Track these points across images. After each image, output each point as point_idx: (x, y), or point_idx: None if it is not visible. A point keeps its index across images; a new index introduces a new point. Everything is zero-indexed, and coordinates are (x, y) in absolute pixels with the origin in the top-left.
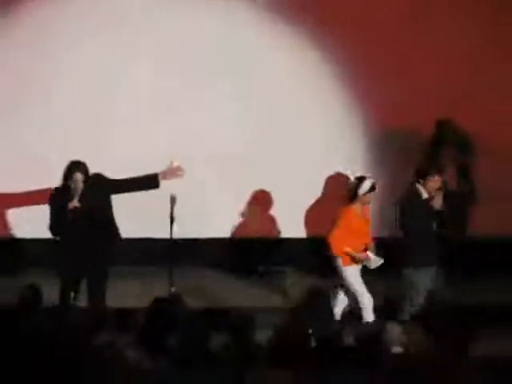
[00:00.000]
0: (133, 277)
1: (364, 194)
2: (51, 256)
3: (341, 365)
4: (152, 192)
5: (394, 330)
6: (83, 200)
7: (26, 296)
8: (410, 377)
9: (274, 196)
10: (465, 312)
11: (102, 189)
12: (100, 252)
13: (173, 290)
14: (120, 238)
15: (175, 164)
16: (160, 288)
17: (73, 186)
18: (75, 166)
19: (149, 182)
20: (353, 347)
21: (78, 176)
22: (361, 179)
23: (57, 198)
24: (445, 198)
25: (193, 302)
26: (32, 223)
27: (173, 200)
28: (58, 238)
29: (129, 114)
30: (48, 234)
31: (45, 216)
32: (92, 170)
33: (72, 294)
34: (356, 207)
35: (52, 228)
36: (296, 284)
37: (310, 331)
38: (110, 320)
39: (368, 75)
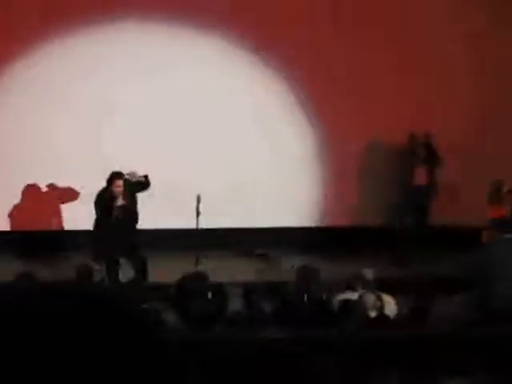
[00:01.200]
0: (168, 258)
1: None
2: (93, 243)
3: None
4: (183, 193)
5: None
6: (124, 198)
7: (82, 274)
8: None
9: None
10: None
11: (131, 189)
12: (136, 237)
13: (198, 268)
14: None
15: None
16: (189, 267)
17: (115, 189)
18: (116, 175)
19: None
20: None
21: (120, 182)
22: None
23: (103, 198)
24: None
25: (213, 278)
26: (77, 219)
27: (198, 199)
28: (103, 228)
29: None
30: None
31: (83, 213)
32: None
33: (117, 271)
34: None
35: (99, 220)
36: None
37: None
38: (152, 291)
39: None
